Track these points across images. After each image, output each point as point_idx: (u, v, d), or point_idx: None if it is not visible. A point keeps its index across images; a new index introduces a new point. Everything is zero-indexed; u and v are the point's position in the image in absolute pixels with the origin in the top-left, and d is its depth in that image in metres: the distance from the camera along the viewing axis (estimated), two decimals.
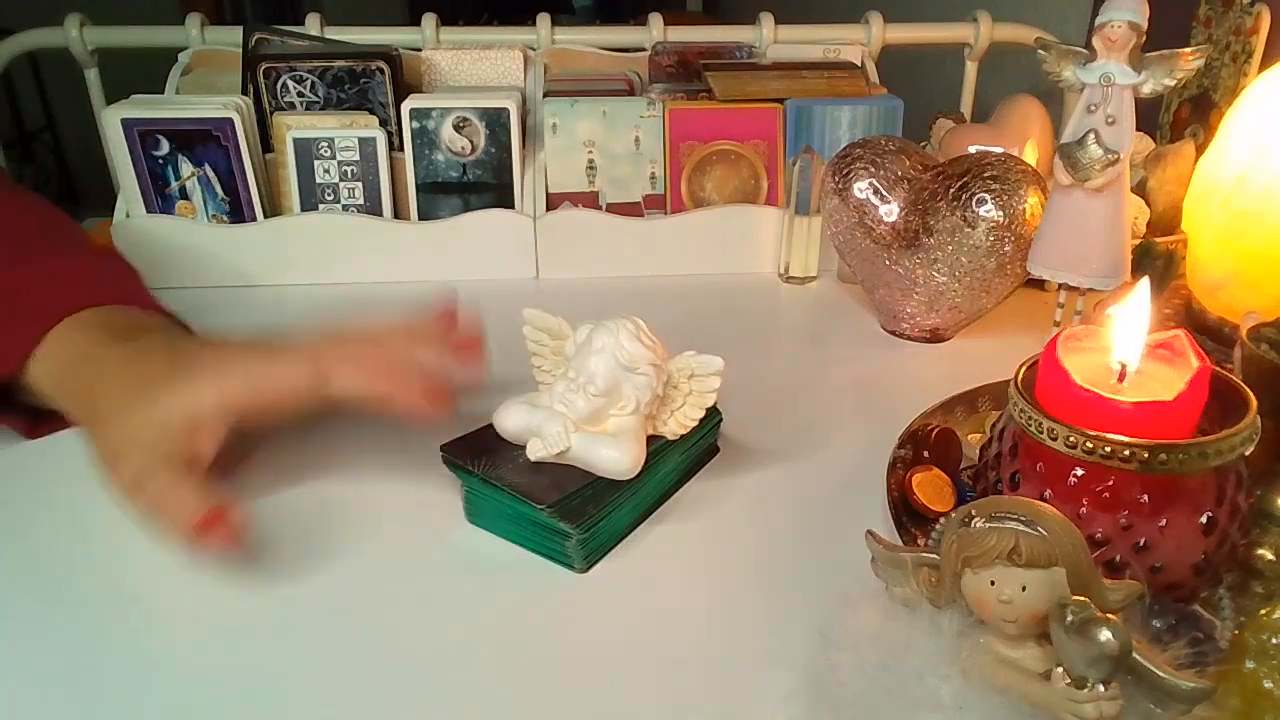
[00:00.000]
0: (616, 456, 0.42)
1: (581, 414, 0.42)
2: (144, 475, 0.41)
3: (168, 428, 0.42)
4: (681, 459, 0.46)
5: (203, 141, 0.72)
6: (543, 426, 0.42)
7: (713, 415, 0.47)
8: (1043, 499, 0.35)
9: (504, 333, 0.62)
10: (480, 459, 0.42)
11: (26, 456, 0.50)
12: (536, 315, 0.46)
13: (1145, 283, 0.38)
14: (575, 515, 0.40)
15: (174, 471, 0.41)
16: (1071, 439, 0.34)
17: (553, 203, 0.76)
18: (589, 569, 0.41)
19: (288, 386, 0.43)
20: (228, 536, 0.40)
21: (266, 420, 0.46)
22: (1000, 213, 0.57)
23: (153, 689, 0.35)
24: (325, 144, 0.73)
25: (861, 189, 0.61)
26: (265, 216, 0.74)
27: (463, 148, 0.74)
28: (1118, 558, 0.35)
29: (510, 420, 0.43)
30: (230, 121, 0.71)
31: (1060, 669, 0.27)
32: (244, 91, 0.76)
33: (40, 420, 0.50)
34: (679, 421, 0.45)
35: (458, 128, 0.74)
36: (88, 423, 0.45)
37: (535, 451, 0.42)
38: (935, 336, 0.64)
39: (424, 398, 0.44)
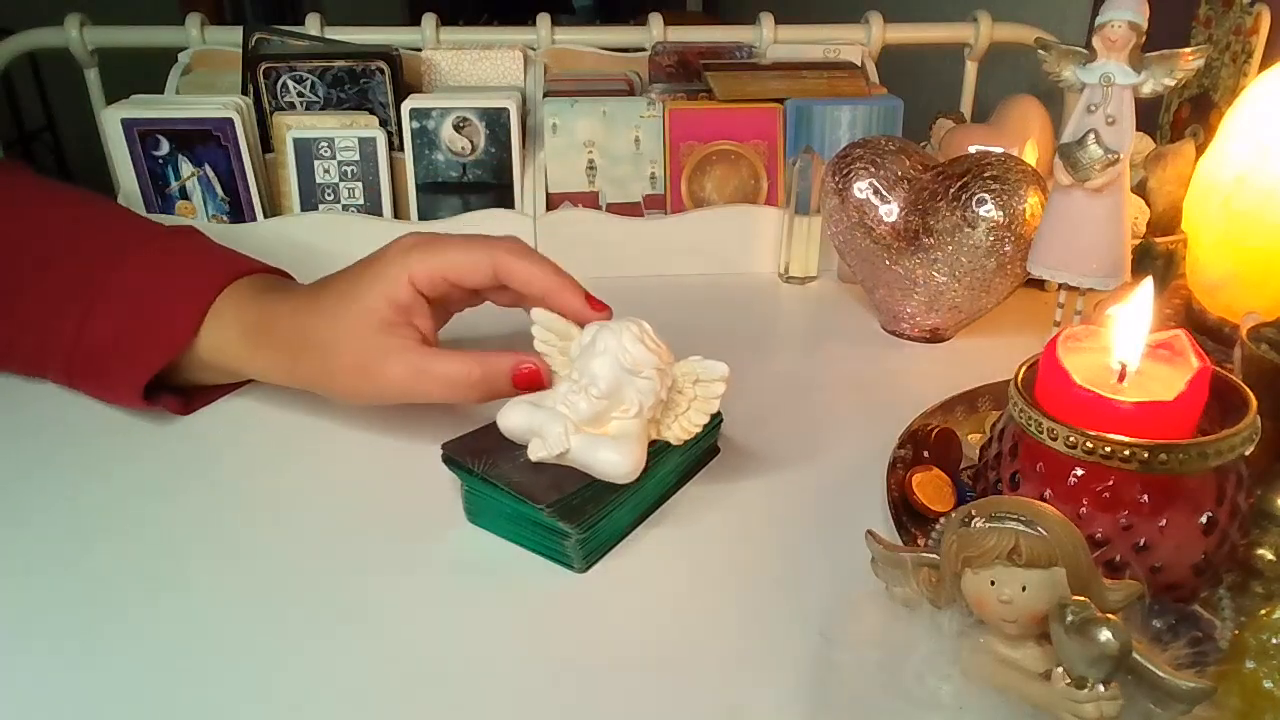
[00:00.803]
0: (616, 460, 0.41)
1: (583, 416, 0.42)
2: (417, 365, 0.46)
3: (386, 317, 0.46)
4: (682, 460, 0.46)
5: (203, 141, 0.72)
6: (544, 427, 0.42)
7: (714, 416, 0.47)
8: (1043, 499, 0.35)
9: (505, 332, 0.62)
10: (480, 458, 0.42)
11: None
12: (545, 315, 0.46)
13: (1149, 282, 0.38)
14: (575, 515, 0.40)
15: (431, 349, 0.47)
16: (1071, 439, 0.34)
17: (553, 203, 0.76)
18: (588, 569, 0.41)
19: (466, 254, 0.48)
20: (540, 375, 0.46)
21: (449, 296, 0.50)
22: (1000, 213, 0.57)
23: (145, 686, 0.35)
24: (325, 144, 0.73)
25: (861, 189, 0.61)
26: (265, 216, 0.74)
27: (463, 148, 0.74)
28: (1118, 558, 0.35)
29: (513, 420, 0.43)
30: (230, 121, 0.71)
31: (1060, 669, 0.27)
32: (244, 91, 0.76)
33: (192, 398, 0.53)
34: (683, 427, 0.44)
35: (458, 128, 0.74)
36: (302, 363, 0.48)
37: (536, 452, 0.42)
38: (935, 336, 0.64)
39: (586, 298, 0.48)
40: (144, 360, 0.49)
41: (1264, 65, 0.73)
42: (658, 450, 0.44)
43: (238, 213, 0.74)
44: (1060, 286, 0.58)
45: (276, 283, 0.53)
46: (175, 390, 0.52)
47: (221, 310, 0.50)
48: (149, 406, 0.51)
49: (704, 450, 0.49)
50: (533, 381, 0.46)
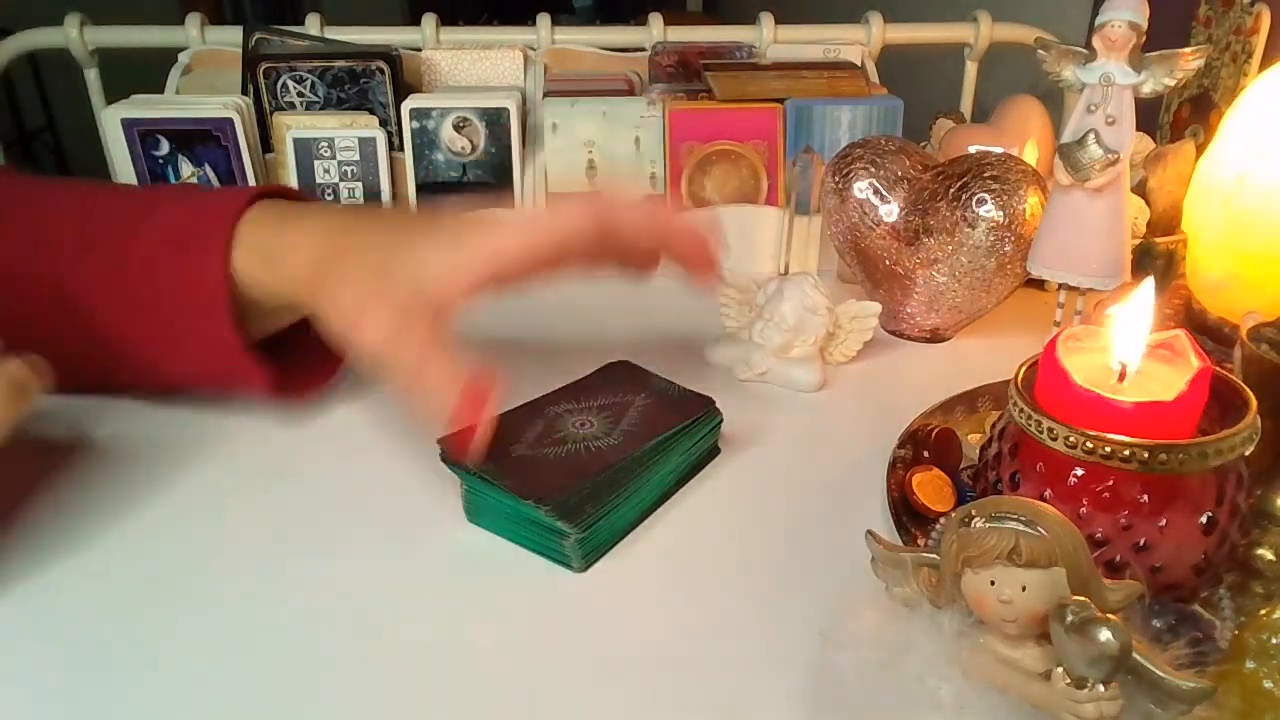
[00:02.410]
0: (807, 376, 0.56)
1: (775, 345, 0.56)
2: (402, 333, 0.41)
3: (426, 287, 0.42)
4: (682, 459, 0.46)
5: (203, 141, 0.72)
6: (749, 354, 0.56)
7: (713, 416, 0.47)
8: (1043, 499, 0.35)
9: (505, 331, 0.62)
10: None
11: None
12: (730, 275, 0.57)
13: (1149, 282, 0.38)
14: (574, 514, 0.40)
15: (432, 333, 0.42)
16: (1071, 439, 0.34)
17: (553, 203, 0.76)
18: (587, 568, 0.41)
19: (571, 232, 0.44)
20: (478, 420, 0.40)
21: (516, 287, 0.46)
22: (1000, 213, 0.57)
23: (140, 686, 0.35)
24: (325, 144, 0.73)
25: (861, 189, 0.61)
26: None
27: (463, 148, 0.74)
28: (1118, 558, 0.35)
29: (721, 351, 0.58)
30: (230, 121, 0.71)
31: (1060, 669, 0.27)
32: (244, 91, 0.76)
33: (286, 376, 0.49)
34: (842, 352, 0.59)
35: (458, 128, 0.74)
36: (319, 279, 0.44)
37: (741, 374, 0.56)
38: (935, 336, 0.64)
39: (699, 252, 0.46)
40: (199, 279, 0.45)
41: (1264, 65, 0.73)
42: (656, 447, 0.44)
43: None
44: (1060, 286, 0.58)
45: (308, 205, 0.49)
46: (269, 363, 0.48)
47: (246, 230, 0.45)
48: (249, 370, 0.46)
49: (704, 451, 0.49)
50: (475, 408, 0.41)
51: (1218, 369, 0.36)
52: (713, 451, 0.50)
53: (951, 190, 0.58)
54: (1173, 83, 0.50)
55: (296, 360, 0.50)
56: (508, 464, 0.42)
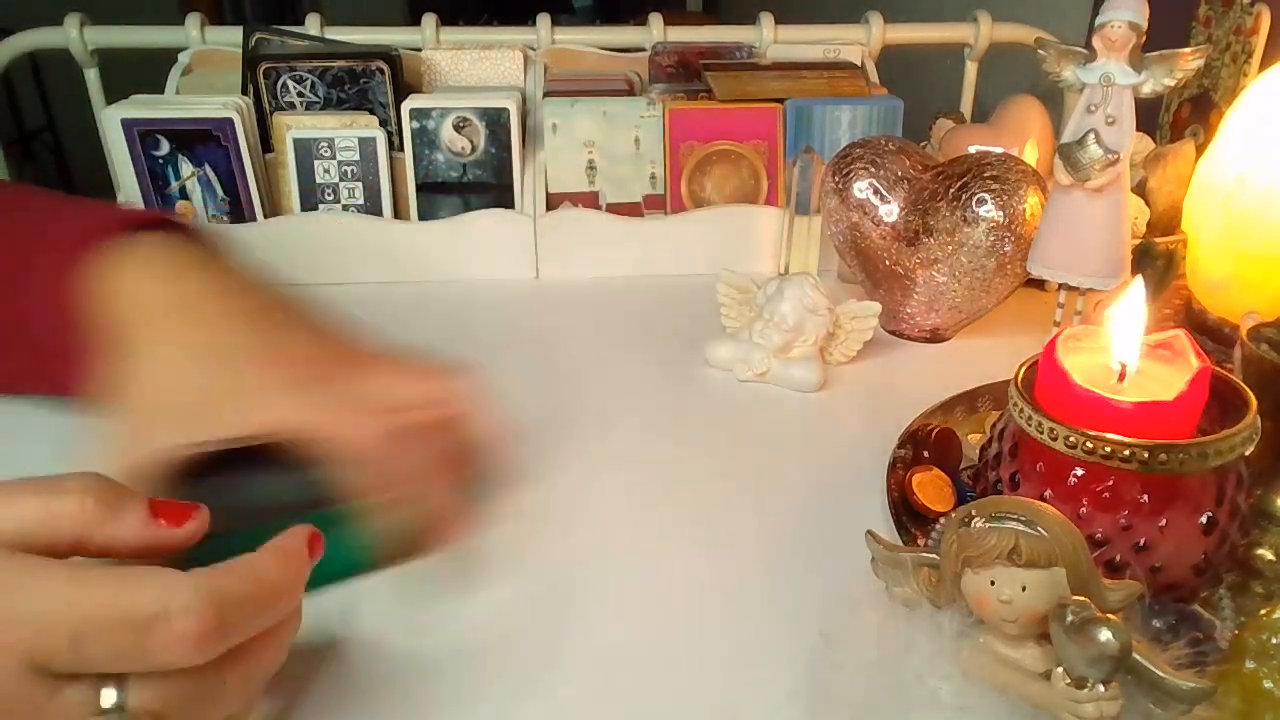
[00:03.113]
0: (807, 375, 0.56)
1: (775, 345, 0.56)
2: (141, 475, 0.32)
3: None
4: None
5: (203, 141, 0.72)
6: (748, 354, 0.56)
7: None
8: (1043, 499, 0.35)
9: (505, 332, 0.62)
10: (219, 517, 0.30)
11: None
12: (730, 275, 0.60)
13: (1140, 281, 0.38)
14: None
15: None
16: (1071, 439, 0.34)
17: (553, 203, 0.76)
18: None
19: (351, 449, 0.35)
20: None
21: None
22: (1000, 213, 0.57)
23: None
24: (325, 144, 0.73)
25: (861, 189, 0.61)
26: (265, 216, 0.74)
27: (463, 148, 0.74)
28: (1118, 558, 0.35)
29: (721, 352, 0.58)
30: (230, 121, 0.71)
31: (1060, 669, 0.27)
32: (244, 91, 0.76)
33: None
34: (842, 352, 0.59)
35: (458, 128, 0.74)
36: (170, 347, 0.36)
37: (742, 373, 0.57)
38: (935, 336, 0.64)
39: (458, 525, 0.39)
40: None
41: (1264, 65, 0.73)
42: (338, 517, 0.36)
43: (238, 213, 0.74)
44: (1060, 286, 0.58)
45: (205, 247, 0.41)
46: None
47: (123, 253, 0.39)
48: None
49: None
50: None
51: (1218, 369, 0.36)
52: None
53: (951, 190, 0.59)
54: (1173, 83, 0.50)
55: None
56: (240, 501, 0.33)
